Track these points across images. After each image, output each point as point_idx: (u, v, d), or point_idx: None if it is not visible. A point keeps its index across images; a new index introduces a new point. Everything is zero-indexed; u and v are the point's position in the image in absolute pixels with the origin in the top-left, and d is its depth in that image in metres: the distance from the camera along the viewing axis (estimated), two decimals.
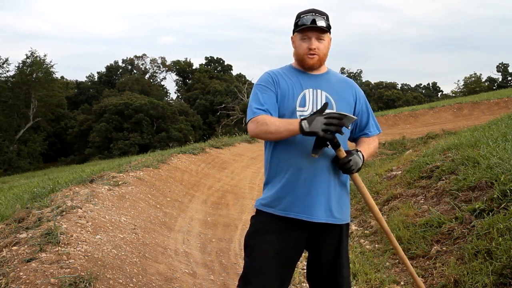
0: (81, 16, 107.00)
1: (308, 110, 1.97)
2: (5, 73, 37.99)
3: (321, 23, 1.95)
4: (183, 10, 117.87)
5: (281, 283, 1.97)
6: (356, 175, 1.99)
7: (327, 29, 1.98)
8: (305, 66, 2.02)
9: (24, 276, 2.65)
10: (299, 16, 2.01)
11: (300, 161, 1.93)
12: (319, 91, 2.01)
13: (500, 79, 51.73)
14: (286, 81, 2.03)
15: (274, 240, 1.95)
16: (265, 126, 1.90)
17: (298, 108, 1.97)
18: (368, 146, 2.08)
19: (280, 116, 1.98)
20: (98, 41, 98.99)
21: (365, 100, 2.14)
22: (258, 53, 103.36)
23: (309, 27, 1.95)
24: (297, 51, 2.03)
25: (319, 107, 1.95)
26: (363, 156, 1.97)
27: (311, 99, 1.99)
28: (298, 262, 3.59)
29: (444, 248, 3.30)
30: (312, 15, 1.96)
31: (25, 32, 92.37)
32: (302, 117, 1.87)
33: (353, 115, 2.07)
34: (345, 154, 1.90)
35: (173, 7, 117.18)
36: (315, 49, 1.97)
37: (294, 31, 2.04)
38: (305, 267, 3.45)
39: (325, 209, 1.95)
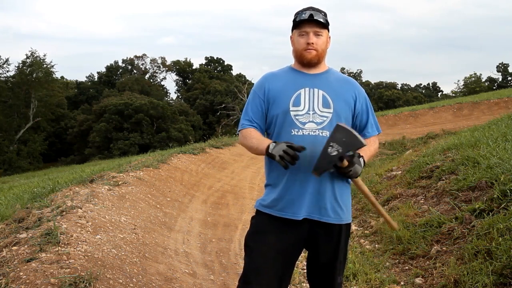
0: (81, 16, 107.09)
1: (304, 109, 1.98)
2: (5, 73, 38.05)
3: (318, 17, 1.97)
4: (183, 11, 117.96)
5: (280, 282, 1.98)
6: (358, 178, 1.97)
7: (325, 24, 2.00)
8: (304, 61, 2.02)
9: (24, 276, 2.65)
10: (296, 14, 2.03)
11: (297, 162, 1.94)
12: (316, 89, 2.00)
13: (500, 79, 51.73)
14: (281, 82, 2.05)
15: (273, 240, 1.97)
16: (246, 141, 2.04)
17: (291, 108, 1.98)
18: (369, 149, 2.06)
19: (274, 116, 2.01)
20: (98, 41, 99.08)
21: (366, 100, 2.12)
22: (258, 53, 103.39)
23: (306, 20, 1.97)
24: (296, 47, 2.03)
25: (315, 106, 1.98)
26: (364, 161, 1.96)
27: (307, 98, 1.99)
28: (298, 262, 3.60)
29: (444, 248, 3.30)
30: (310, 10, 1.99)
31: (26, 32, 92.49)
32: (273, 140, 1.93)
33: (353, 114, 2.06)
34: (347, 164, 1.87)
35: (173, 8, 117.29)
36: (313, 43, 1.98)
37: (292, 29, 2.06)
38: (305, 267, 3.45)
39: (321, 208, 1.96)
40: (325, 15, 2.01)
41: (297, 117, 1.97)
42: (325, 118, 1.96)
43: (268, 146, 1.89)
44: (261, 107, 2.05)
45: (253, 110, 2.06)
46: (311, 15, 1.96)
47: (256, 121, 2.04)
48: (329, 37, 2.06)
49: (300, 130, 1.95)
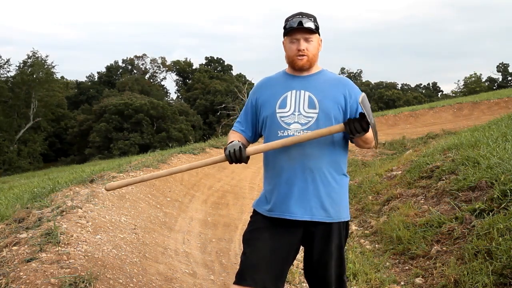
0: (81, 17, 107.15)
1: (289, 111, 2.03)
2: (5, 74, 38.08)
3: (307, 24, 1.99)
4: (183, 10, 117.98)
5: (275, 279, 2.00)
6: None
7: (315, 30, 2.02)
8: (295, 67, 2.07)
9: (24, 276, 2.65)
10: (286, 20, 2.05)
11: (282, 161, 2.01)
12: (302, 91, 2.04)
13: (500, 79, 51.79)
14: (273, 86, 2.12)
15: (268, 238, 2.01)
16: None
17: (277, 110, 2.05)
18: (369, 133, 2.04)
19: (263, 118, 2.09)
20: (98, 41, 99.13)
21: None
22: (258, 54, 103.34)
23: (296, 29, 1.99)
24: (287, 53, 2.07)
25: (301, 107, 2.03)
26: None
27: (293, 100, 2.04)
28: (298, 263, 3.60)
29: (444, 248, 3.30)
30: (299, 17, 2.01)
31: (30, 32, 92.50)
32: (239, 141, 2.03)
33: (345, 112, 2.04)
34: (341, 127, 1.91)
35: (172, 8, 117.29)
36: (303, 50, 2.01)
37: (284, 35, 2.09)
38: None
39: (308, 207, 1.99)
40: (314, 19, 2.03)
41: (282, 119, 2.03)
42: (310, 119, 2.00)
43: (230, 142, 2.03)
44: (251, 113, 2.16)
45: (244, 115, 2.20)
46: (300, 23, 1.98)
47: (242, 128, 2.19)
48: (321, 40, 2.09)
49: (285, 131, 2.01)
